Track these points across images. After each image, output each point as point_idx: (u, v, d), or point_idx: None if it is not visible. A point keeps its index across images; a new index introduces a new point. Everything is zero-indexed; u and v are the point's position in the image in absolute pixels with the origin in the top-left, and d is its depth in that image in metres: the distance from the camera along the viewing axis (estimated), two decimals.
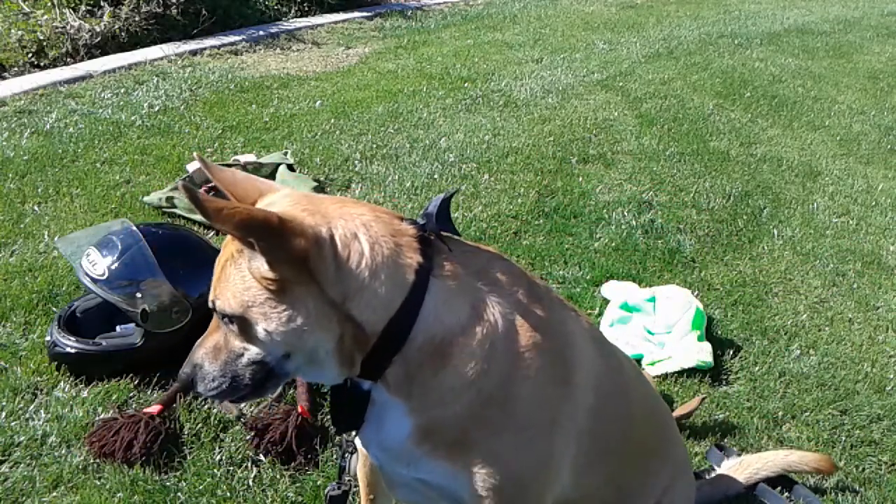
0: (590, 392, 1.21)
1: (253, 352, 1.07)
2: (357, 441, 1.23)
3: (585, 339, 1.25)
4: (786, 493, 1.92)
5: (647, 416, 1.48)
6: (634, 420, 1.39)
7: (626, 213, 3.34)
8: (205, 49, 5.39)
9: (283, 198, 1.09)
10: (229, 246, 1.06)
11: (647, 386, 1.57)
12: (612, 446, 1.32)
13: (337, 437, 1.20)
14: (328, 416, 2.08)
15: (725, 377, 2.37)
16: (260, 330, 1.03)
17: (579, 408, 1.20)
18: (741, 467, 1.90)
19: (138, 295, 2.13)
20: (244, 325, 1.05)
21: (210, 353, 1.10)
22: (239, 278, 1.03)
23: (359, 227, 1.04)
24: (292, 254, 0.98)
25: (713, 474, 1.93)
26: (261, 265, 0.99)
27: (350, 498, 1.38)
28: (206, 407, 2.07)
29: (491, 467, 1.11)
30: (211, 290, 1.07)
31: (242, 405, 1.97)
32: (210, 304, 1.07)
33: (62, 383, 2.14)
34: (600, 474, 1.32)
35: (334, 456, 1.94)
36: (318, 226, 1.01)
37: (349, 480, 1.24)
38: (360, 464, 1.48)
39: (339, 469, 1.24)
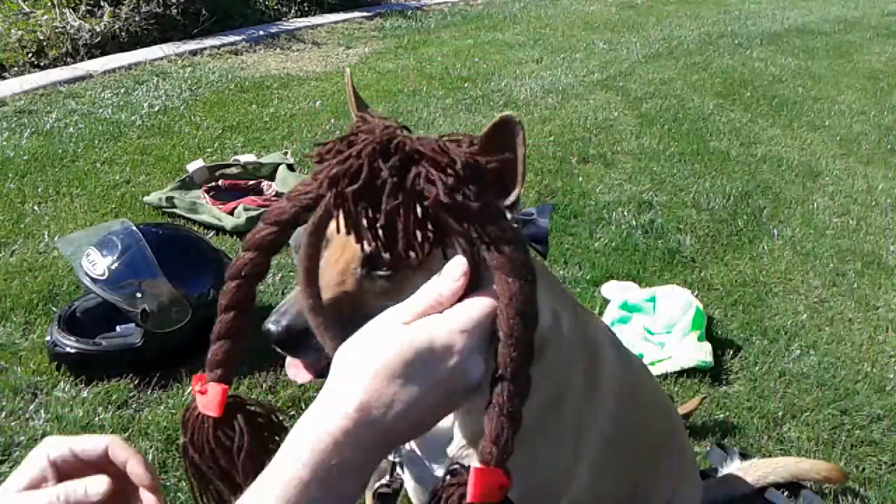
0: (612, 399, 1.23)
1: None
2: None
3: (608, 346, 1.27)
4: (791, 497, 1.92)
5: (660, 417, 1.49)
6: (649, 421, 1.41)
7: (626, 213, 3.34)
8: (205, 49, 5.39)
9: None
10: None
11: (658, 387, 1.58)
12: (628, 449, 1.33)
13: None
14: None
15: (725, 377, 2.37)
16: None
17: (601, 414, 1.21)
18: (751, 469, 1.90)
19: (138, 295, 2.13)
20: None
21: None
22: None
23: None
24: None
25: (721, 474, 1.93)
26: None
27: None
28: None
29: (527, 469, 1.10)
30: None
31: None
32: (368, 257, 0.93)
33: (62, 383, 2.14)
34: (615, 475, 1.33)
35: None
36: None
37: (399, 477, 1.19)
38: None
39: (391, 465, 1.18)
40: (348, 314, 0.87)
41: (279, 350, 0.90)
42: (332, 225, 0.94)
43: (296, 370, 0.93)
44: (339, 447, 0.61)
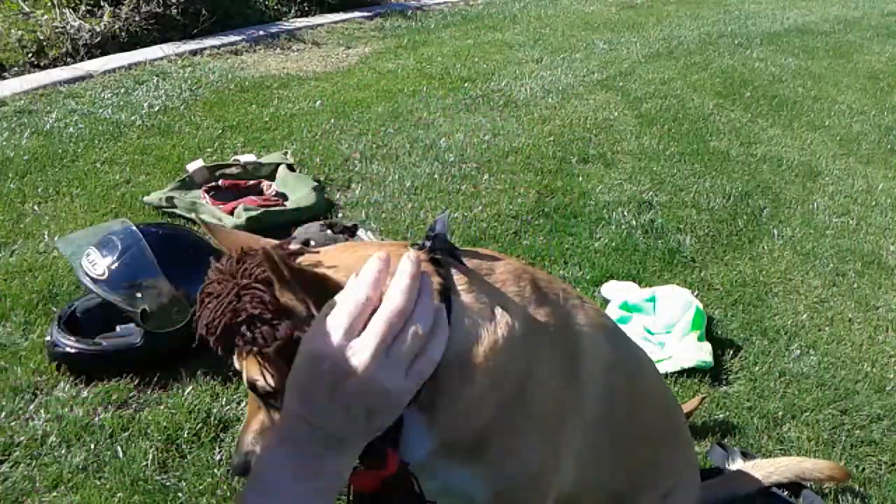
0: (598, 385, 1.21)
1: None
2: None
3: (595, 330, 1.23)
4: (792, 497, 1.92)
5: (661, 410, 1.48)
6: (647, 413, 1.39)
7: (626, 213, 3.34)
8: (205, 49, 5.39)
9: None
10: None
11: (660, 381, 1.57)
12: (622, 435, 1.31)
13: None
14: None
15: (725, 377, 2.37)
16: None
17: (585, 401, 1.19)
18: (754, 470, 1.90)
19: (138, 295, 2.13)
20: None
21: (259, 434, 1.09)
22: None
23: None
24: None
25: (723, 473, 1.93)
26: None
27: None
28: (205, 407, 2.07)
29: (507, 467, 1.11)
30: (246, 371, 1.05)
31: None
32: (250, 386, 1.04)
33: (62, 383, 2.14)
34: (608, 465, 1.32)
35: None
36: (346, 278, 0.98)
37: None
38: None
39: None
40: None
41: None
42: None
43: None
44: None
